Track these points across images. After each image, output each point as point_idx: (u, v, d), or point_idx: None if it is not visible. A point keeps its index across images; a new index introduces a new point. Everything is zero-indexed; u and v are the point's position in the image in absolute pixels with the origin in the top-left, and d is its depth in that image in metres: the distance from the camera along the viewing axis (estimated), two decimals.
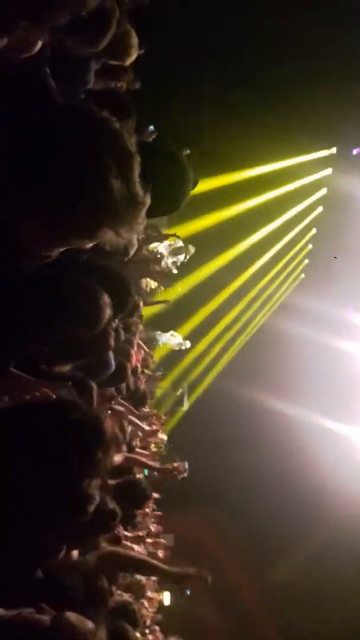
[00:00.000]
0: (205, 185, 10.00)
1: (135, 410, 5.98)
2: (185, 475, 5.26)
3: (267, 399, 15.78)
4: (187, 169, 2.07)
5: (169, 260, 5.95)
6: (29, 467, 1.79)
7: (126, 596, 3.40)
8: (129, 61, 3.19)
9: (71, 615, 1.50)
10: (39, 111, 1.36)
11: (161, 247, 6.04)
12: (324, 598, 14.99)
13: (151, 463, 5.15)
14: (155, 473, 5.06)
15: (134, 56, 3.15)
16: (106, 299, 2.33)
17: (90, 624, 1.51)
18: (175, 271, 6.74)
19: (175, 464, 5.43)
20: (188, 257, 7.02)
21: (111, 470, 3.33)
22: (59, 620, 1.42)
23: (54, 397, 2.13)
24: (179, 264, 6.97)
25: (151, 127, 6.51)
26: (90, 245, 1.45)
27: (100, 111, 1.36)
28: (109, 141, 1.32)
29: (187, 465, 5.39)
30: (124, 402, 4.85)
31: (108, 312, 2.33)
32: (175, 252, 6.63)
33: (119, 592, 3.89)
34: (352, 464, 16.72)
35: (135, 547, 5.14)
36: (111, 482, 3.74)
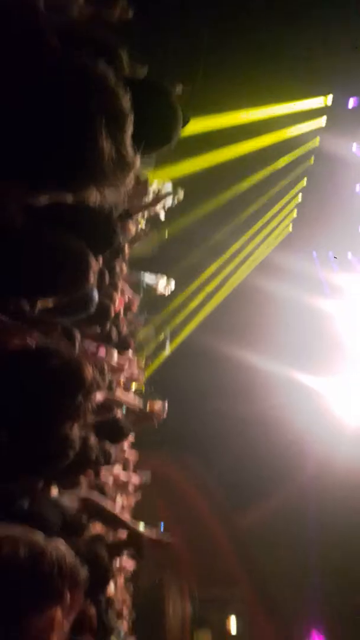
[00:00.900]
0: (194, 126, 9.70)
1: (117, 354, 6.06)
2: (165, 415, 5.40)
3: (244, 353, 16.02)
4: (177, 105, 2.01)
5: (155, 199, 5.83)
6: (10, 413, 1.82)
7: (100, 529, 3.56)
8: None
9: (51, 548, 1.50)
10: (29, 56, 1.25)
11: (150, 190, 5.91)
12: (291, 542, 15.80)
13: (131, 403, 5.26)
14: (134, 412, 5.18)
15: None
16: (93, 263, 2.34)
17: (71, 555, 1.53)
18: (162, 216, 6.62)
19: (155, 406, 5.56)
20: (177, 201, 6.86)
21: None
22: (40, 551, 1.43)
23: (34, 344, 2.14)
24: (166, 208, 6.84)
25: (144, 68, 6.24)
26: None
27: (96, 65, 1.28)
28: (103, 99, 1.26)
29: (166, 405, 5.52)
30: (106, 345, 4.89)
31: (93, 276, 2.35)
32: (163, 194, 6.50)
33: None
34: (325, 417, 17.26)
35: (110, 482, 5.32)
36: (91, 418, 3.83)
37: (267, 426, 15.80)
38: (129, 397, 5.74)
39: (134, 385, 7.09)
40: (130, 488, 8.17)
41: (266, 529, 16.36)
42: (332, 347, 17.53)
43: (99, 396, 4.00)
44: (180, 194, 6.92)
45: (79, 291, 2.40)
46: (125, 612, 8.11)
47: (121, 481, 7.63)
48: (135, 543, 3.19)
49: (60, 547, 1.46)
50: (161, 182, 6.56)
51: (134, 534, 3.15)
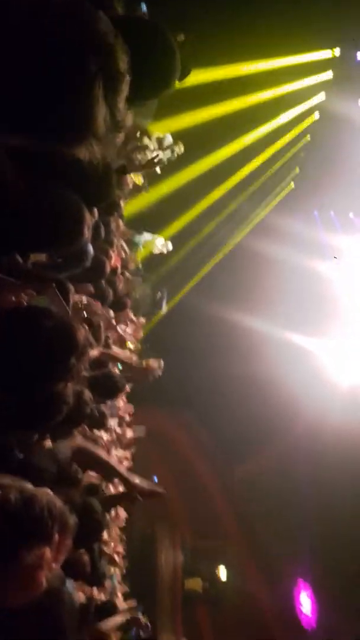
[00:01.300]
0: (195, 78, 9.35)
1: (113, 312, 6.04)
2: (160, 373, 5.44)
3: (241, 313, 16.02)
4: (175, 47, 1.91)
5: (155, 155, 5.67)
6: (2, 372, 1.83)
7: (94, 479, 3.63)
8: None
9: (42, 493, 1.56)
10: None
11: (149, 142, 5.73)
12: (282, 497, 16.23)
13: (126, 359, 5.29)
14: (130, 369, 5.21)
15: None
16: (87, 216, 2.31)
17: (60, 503, 1.58)
18: (159, 169, 6.44)
19: (151, 363, 5.59)
20: (176, 154, 6.67)
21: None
22: (30, 496, 1.48)
23: (27, 304, 2.13)
24: (165, 161, 6.66)
25: (144, 7, 5.96)
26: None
27: (97, 20, 1.26)
28: (102, 59, 1.24)
29: (162, 363, 5.55)
30: (100, 304, 4.86)
31: (88, 230, 2.32)
32: (163, 147, 6.31)
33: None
34: (319, 378, 17.44)
35: (105, 437, 5.39)
36: (85, 374, 3.85)
37: (262, 385, 15.97)
38: (125, 354, 5.77)
39: (130, 344, 7.12)
40: (125, 442, 8.32)
41: (258, 483, 16.81)
42: (330, 309, 17.56)
43: (94, 352, 4.01)
44: (180, 147, 6.73)
45: (73, 245, 2.37)
46: (119, 560, 8.40)
47: (116, 435, 7.77)
48: (129, 494, 3.26)
49: (49, 493, 1.53)
50: (162, 134, 6.36)
51: (127, 484, 3.21)
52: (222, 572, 17.56)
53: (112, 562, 7.21)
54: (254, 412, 16.48)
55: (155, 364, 5.51)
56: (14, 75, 1.21)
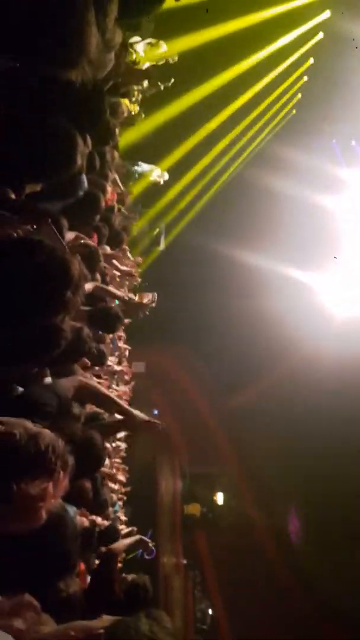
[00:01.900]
0: None
1: (109, 249, 5.93)
2: (154, 305, 5.42)
3: (239, 248, 15.83)
4: None
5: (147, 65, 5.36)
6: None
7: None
8: None
9: (45, 431, 1.59)
10: None
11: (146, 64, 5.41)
12: (276, 422, 16.71)
13: (122, 294, 5.25)
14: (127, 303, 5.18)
15: None
16: (80, 142, 2.25)
17: (62, 442, 1.61)
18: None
19: (144, 297, 5.56)
20: (171, 61, 6.25)
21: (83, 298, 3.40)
22: (34, 433, 1.51)
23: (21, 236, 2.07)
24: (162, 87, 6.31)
25: None
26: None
27: None
28: None
29: (156, 296, 5.52)
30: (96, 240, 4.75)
31: (80, 157, 2.23)
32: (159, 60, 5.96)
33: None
34: (315, 311, 17.51)
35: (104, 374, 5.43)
36: (84, 308, 3.83)
37: (260, 318, 16.08)
38: (120, 290, 5.72)
39: (127, 281, 7.06)
40: (124, 377, 8.46)
41: (255, 412, 17.29)
42: (329, 243, 17.35)
43: (89, 286, 3.96)
44: (175, 57, 6.34)
45: (66, 169, 2.28)
46: (120, 488, 8.76)
47: (115, 371, 7.88)
48: (129, 424, 3.33)
49: (51, 433, 1.57)
50: (157, 42, 5.95)
51: (128, 417, 3.28)
52: (220, 497, 18.45)
53: (114, 490, 7.50)
54: (252, 344, 16.70)
55: (149, 297, 5.48)
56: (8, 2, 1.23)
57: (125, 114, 4.76)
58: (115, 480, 7.76)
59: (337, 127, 15.94)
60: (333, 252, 17.52)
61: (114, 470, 8.00)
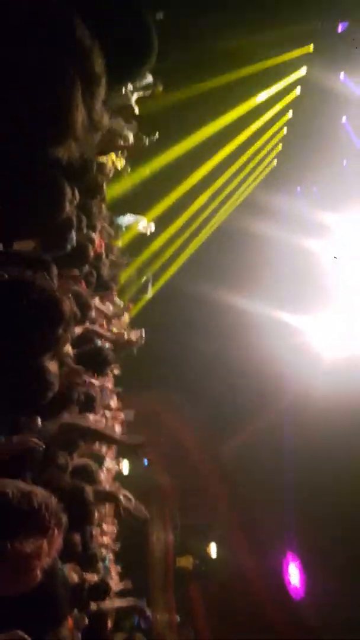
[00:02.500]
0: (177, 56, 9.18)
1: (98, 297, 6.00)
2: (142, 342, 5.46)
3: (227, 292, 16.07)
4: (151, 27, 1.91)
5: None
6: None
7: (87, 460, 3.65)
8: None
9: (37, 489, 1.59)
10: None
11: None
12: (269, 470, 16.49)
13: (109, 334, 5.29)
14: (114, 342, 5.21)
15: None
16: (68, 190, 2.34)
17: (55, 500, 1.60)
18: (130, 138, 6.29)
19: (133, 334, 5.60)
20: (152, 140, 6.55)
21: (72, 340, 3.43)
22: (27, 491, 1.51)
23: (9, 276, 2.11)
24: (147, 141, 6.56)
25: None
26: None
27: (74, 28, 1.34)
28: (79, 65, 1.34)
29: (144, 333, 5.56)
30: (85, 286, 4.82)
31: (69, 205, 2.31)
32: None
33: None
34: (302, 353, 17.62)
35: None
36: (72, 351, 3.85)
37: (248, 362, 16.13)
38: (109, 332, 5.77)
39: (115, 329, 7.11)
40: (116, 423, 8.36)
41: (245, 458, 17.06)
42: (315, 285, 17.66)
43: (78, 329, 3.99)
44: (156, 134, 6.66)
45: (55, 216, 2.35)
46: (110, 542, 8.51)
47: (105, 420, 7.79)
48: (116, 497, 3.31)
49: (44, 491, 1.58)
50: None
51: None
52: (213, 549, 17.90)
53: (104, 544, 7.29)
54: (240, 388, 16.67)
55: (137, 335, 5.53)
56: None
57: (112, 171, 4.94)
58: (104, 533, 7.55)
59: (318, 175, 16.54)
60: (321, 295, 17.83)
61: (103, 523, 7.80)
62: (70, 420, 3.12)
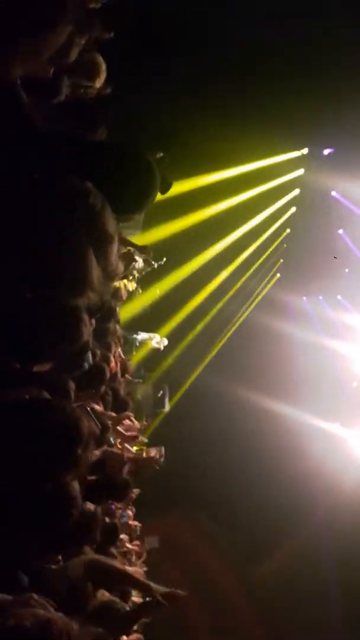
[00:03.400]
0: (180, 187, 10.06)
1: (114, 415, 5.99)
2: (162, 460, 5.30)
3: (248, 395, 15.92)
4: (155, 172, 2.12)
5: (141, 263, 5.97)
6: (8, 472, 1.82)
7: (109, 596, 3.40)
8: (98, 83, 3.29)
9: (56, 617, 1.52)
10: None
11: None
12: (311, 594, 15.12)
13: (128, 454, 5.17)
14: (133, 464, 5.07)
15: (103, 78, 3.27)
16: (85, 318, 2.42)
17: (75, 625, 1.53)
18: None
19: (151, 452, 5.47)
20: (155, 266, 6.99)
21: (90, 466, 3.36)
22: (44, 620, 1.44)
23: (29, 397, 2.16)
24: (156, 265, 7.00)
25: None
26: None
27: (82, 190, 1.49)
28: (92, 228, 1.48)
29: (163, 450, 5.43)
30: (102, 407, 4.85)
31: (86, 331, 2.42)
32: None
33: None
34: (338, 459, 16.94)
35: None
36: (91, 478, 3.76)
37: (276, 471, 15.48)
38: (127, 452, 5.65)
39: (134, 448, 6.99)
40: (136, 557, 7.88)
41: (280, 582, 15.69)
42: (339, 385, 17.50)
43: (97, 452, 3.93)
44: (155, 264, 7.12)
45: (73, 344, 2.42)
46: None
47: (127, 549, 7.36)
48: (150, 603, 3.06)
49: (64, 617, 1.50)
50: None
51: (147, 590, 3.03)
52: None
53: None
54: (270, 504, 15.76)
55: (156, 452, 5.38)
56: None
57: (125, 295, 5.20)
58: None
59: (322, 284, 17.12)
60: (346, 395, 17.58)
61: None
62: (96, 557, 2.93)
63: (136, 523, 8.97)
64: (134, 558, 7.95)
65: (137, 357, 10.32)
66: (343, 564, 14.75)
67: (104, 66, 3.28)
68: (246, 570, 16.88)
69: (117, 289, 4.70)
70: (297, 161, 14.49)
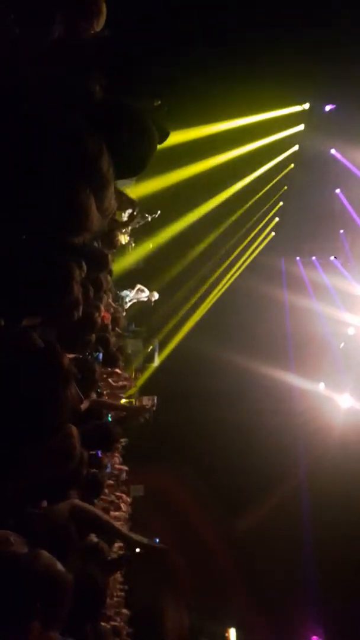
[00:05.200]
0: (177, 137, 9.79)
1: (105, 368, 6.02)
2: (154, 409, 5.38)
3: (234, 356, 16.06)
4: (153, 133, 2.06)
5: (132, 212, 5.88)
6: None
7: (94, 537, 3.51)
8: (98, 25, 3.11)
9: (45, 553, 1.57)
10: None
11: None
12: (286, 546, 15.76)
13: (119, 404, 5.22)
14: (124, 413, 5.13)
15: (103, 20, 3.09)
16: (75, 271, 2.40)
17: (60, 566, 1.58)
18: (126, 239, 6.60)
19: (144, 401, 5.53)
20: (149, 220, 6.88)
21: (79, 415, 3.39)
22: (35, 553, 1.49)
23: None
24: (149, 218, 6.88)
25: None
26: None
27: (83, 137, 1.52)
28: (88, 169, 1.50)
29: (156, 400, 5.49)
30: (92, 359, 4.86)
31: (76, 286, 2.39)
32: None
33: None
34: (319, 420, 17.31)
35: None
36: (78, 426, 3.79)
37: (260, 430, 15.83)
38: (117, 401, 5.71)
39: (122, 395, 7.08)
40: (122, 504, 8.10)
41: (261, 534, 16.31)
42: (321, 347, 17.65)
43: (85, 404, 3.96)
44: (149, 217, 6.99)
45: (64, 299, 2.40)
46: (123, 626, 8.02)
47: (113, 497, 7.57)
48: (129, 556, 3.15)
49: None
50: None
51: (129, 543, 3.12)
52: (232, 634, 16.73)
53: (117, 629, 6.88)
54: (258, 458, 16.22)
55: (149, 401, 5.45)
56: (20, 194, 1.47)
57: (117, 244, 5.12)
58: (117, 618, 7.12)
59: (316, 245, 17.03)
60: (326, 355, 17.78)
61: (115, 605, 7.37)
62: (82, 504, 2.96)
63: (123, 467, 9.19)
64: (121, 505, 8.18)
65: (127, 311, 10.29)
66: (320, 512, 15.32)
67: (104, 5, 3.11)
68: (228, 521, 17.51)
69: (112, 235, 4.63)
70: (297, 116, 14.11)
